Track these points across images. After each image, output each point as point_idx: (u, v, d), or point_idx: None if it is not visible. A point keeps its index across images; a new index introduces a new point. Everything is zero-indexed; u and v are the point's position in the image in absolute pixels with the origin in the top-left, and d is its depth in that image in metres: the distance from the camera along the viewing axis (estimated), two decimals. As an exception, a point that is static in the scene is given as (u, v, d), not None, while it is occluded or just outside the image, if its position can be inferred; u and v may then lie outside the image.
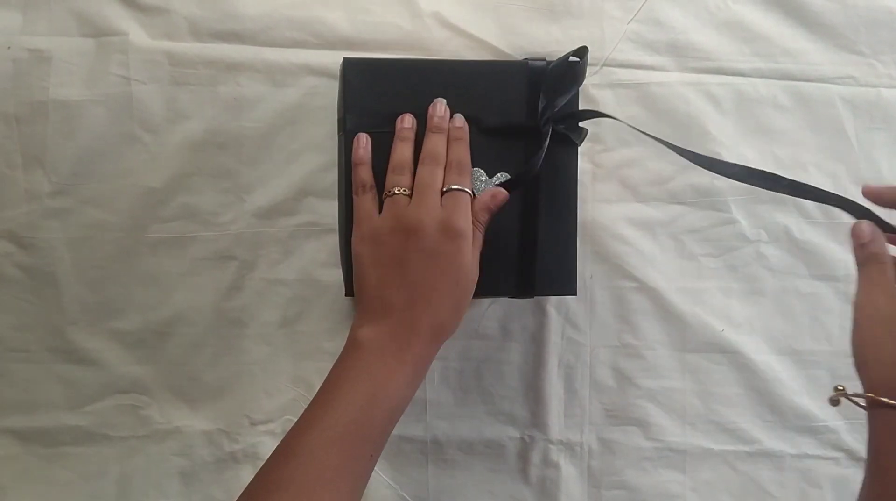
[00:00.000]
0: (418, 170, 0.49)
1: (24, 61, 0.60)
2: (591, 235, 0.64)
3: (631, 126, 0.53)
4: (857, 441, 0.67)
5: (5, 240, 0.61)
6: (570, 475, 0.65)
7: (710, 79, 0.65)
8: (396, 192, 0.48)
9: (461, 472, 0.65)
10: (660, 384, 0.65)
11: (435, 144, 0.50)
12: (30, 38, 0.60)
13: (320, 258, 0.62)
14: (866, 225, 0.46)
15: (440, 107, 0.51)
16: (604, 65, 0.64)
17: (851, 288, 0.66)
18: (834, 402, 0.45)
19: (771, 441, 0.67)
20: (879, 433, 0.42)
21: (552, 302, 0.64)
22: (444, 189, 0.48)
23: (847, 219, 0.66)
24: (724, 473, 0.67)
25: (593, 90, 0.64)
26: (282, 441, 0.44)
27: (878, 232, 0.46)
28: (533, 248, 0.53)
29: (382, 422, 0.44)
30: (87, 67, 0.61)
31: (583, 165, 0.64)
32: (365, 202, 0.50)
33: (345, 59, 0.52)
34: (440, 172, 0.49)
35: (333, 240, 0.62)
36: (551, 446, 0.65)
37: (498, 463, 0.66)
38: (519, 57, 0.62)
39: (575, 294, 0.55)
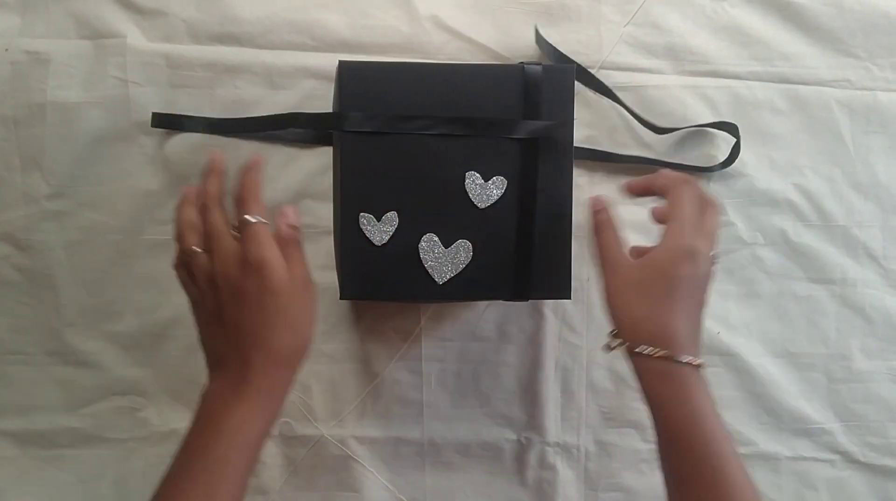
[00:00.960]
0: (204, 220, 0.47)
1: (22, 63, 0.60)
2: (589, 237, 0.64)
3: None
4: (853, 444, 0.67)
5: (3, 242, 0.61)
6: (566, 477, 0.66)
7: (706, 82, 0.65)
8: (191, 253, 0.47)
9: (458, 474, 0.66)
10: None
11: (210, 184, 0.48)
12: (28, 41, 0.60)
13: (317, 261, 0.62)
14: (600, 197, 0.52)
15: (211, 155, 0.50)
16: (601, 68, 0.64)
17: (847, 291, 0.67)
18: (607, 349, 0.50)
19: (767, 443, 0.67)
20: (641, 378, 0.48)
21: (549, 305, 0.65)
22: (236, 224, 0.46)
23: (843, 222, 0.67)
24: (720, 475, 0.67)
25: (590, 94, 0.64)
26: None
27: (608, 202, 0.52)
28: (528, 252, 0.54)
29: (238, 459, 0.44)
30: (86, 69, 0.61)
31: (580, 168, 0.64)
32: (180, 273, 0.48)
33: (340, 62, 0.52)
34: (221, 215, 0.47)
35: (330, 242, 0.62)
36: (548, 448, 0.65)
37: (495, 466, 0.66)
38: (515, 60, 0.62)
39: (569, 298, 0.55)
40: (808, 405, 0.67)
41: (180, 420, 0.64)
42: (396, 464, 0.65)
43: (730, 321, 0.66)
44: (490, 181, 0.53)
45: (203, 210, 0.47)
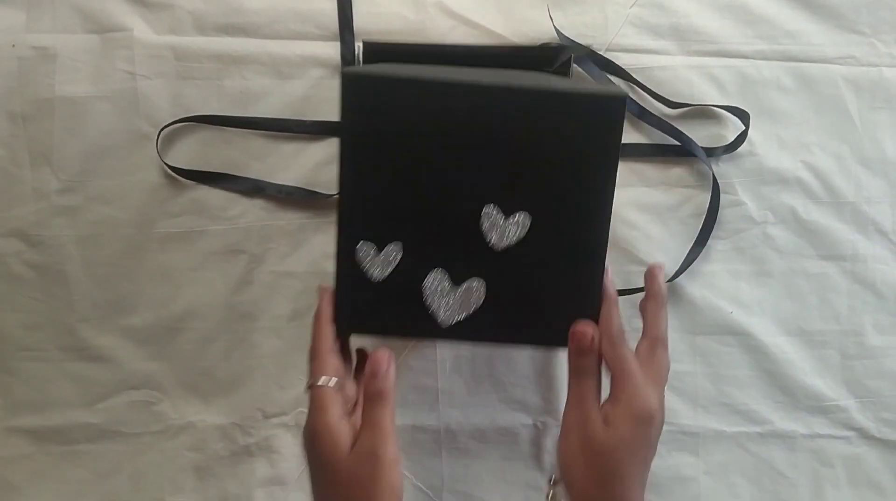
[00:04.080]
0: None
1: (29, 59, 0.60)
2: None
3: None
4: (869, 420, 0.67)
5: (14, 238, 0.61)
6: (583, 460, 0.65)
7: (713, 62, 0.65)
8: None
9: (475, 460, 0.66)
10: (671, 367, 0.65)
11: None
12: (34, 36, 0.60)
13: (329, 250, 0.61)
14: (591, 327, 0.45)
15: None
16: (607, 50, 0.64)
17: (858, 268, 0.67)
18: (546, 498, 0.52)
19: (783, 421, 0.67)
20: None
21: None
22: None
23: (852, 197, 0.66)
24: (736, 455, 0.67)
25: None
26: None
27: (595, 344, 0.45)
28: (552, 298, 0.46)
29: None
30: (93, 63, 0.61)
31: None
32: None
33: (341, 43, 0.51)
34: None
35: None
36: (564, 432, 0.65)
37: (511, 451, 0.66)
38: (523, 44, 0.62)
39: None
40: (823, 382, 0.67)
41: (196, 413, 0.64)
42: (413, 451, 0.65)
43: (742, 300, 0.66)
44: (511, 218, 0.44)
45: None
